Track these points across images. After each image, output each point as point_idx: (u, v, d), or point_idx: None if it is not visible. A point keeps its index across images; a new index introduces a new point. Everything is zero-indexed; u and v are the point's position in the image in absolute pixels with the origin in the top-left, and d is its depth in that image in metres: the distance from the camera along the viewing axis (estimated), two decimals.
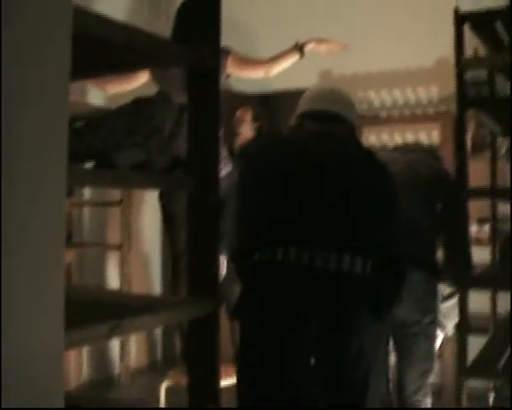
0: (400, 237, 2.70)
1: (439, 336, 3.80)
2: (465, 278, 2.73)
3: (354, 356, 2.51)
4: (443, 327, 3.75)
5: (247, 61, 4.44)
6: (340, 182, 2.62)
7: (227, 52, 4.33)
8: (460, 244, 2.82)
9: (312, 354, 2.58)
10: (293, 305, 2.50)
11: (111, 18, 1.48)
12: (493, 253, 3.90)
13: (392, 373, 3.62)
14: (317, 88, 3.06)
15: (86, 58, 1.70)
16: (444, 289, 3.59)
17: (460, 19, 2.59)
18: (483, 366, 2.89)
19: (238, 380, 2.72)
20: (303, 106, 2.89)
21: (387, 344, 3.34)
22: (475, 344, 3.26)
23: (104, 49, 1.64)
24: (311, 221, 2.55)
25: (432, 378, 3.49)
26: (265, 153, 2.89)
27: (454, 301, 3.45)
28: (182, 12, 4.40)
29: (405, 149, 3.80)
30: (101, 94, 4.99)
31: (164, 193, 4.34)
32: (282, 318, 2.52)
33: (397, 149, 3.83)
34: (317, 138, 2.76)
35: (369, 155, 2.79)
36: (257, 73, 4.42)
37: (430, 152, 3.72)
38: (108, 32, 1.50)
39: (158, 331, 6.52)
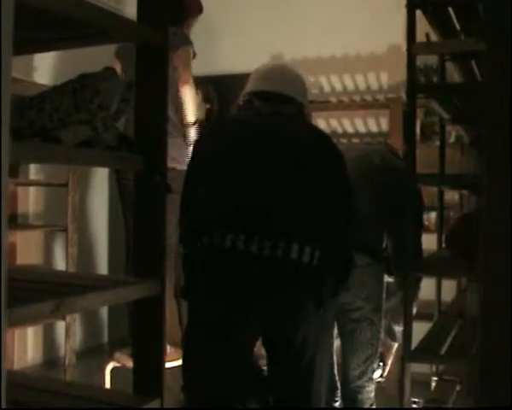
0: (352, 225, 2.68)
1: (394, 346, 3.82)
2: (412, 264, 2.74)
3: (299, 343, 2.50)
4: (393, 336, 3.77)
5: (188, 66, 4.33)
6: (290, 165, 2.57)
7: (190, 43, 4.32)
8: (410, 239, 2.82)
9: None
10: (240, 291, 2.47)
11: None
12: (439, 240, 3.94)
13: (337, 358, 3.65)
14: (267, 67, 2.96)
15: (30, 31, 1.66)
16: (389, 286, 3.62)
17: (413, 3, 2.59)
18: (427, 350, 2.91)
19: (184, 363, 2.69)
20: (252, 85, 2.81)
21: (332, 330, 3.35)
22: (420, 331, 3.28)
23: (51, 21, 1.60)
24: (259, 206, 2.51)
25: (376, 365, 3.52)
26: (214, 134, 2.79)
27: (399, 298, 3.47)
28: None
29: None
30: (46, 72, 4.92)
31: (118, 168, 4.30)
32: (229, 304, 2.48)
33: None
34: (265, 118, 2.70)
35: (321, 136, 2.74)
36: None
37: (390, 149, 3.74)
38: (57, 4, 1.46)
39: (104, 314, 6.47)
